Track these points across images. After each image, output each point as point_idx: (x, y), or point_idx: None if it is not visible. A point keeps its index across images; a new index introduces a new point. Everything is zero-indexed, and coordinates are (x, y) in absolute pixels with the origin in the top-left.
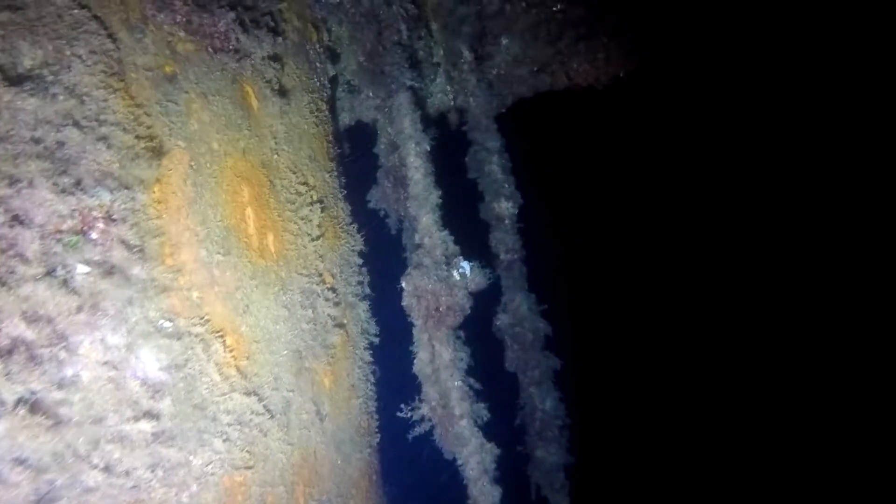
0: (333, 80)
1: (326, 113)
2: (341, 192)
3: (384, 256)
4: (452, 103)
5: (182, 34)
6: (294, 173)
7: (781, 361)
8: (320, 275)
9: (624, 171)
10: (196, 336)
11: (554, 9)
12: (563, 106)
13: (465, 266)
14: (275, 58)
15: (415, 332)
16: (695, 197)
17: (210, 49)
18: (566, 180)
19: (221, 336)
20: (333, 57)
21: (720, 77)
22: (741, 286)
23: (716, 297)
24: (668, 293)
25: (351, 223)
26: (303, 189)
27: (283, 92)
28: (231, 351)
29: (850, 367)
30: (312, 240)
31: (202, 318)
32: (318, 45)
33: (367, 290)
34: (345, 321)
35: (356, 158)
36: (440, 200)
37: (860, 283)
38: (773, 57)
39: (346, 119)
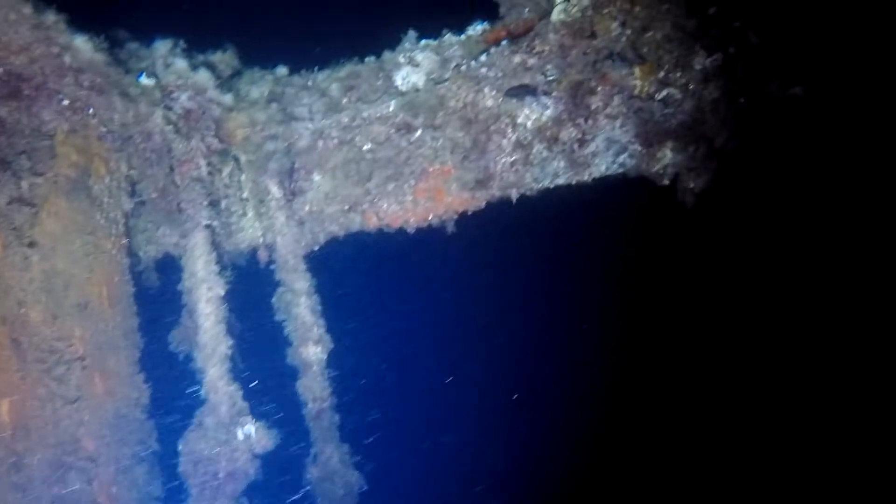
0: (134, 212)
1: (113, 252)
2: (128, 339)
3: (181, 406)
4: (261, 241)
5: None
6: (49, 327)
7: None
8: (77, 441)
9: (438, 315)
10: None
11: (364, 148)
12: (375, 247)
13: (250, 426)
14: (26, 201)
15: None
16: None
17: None
18: (378, 323)
19: None
20: (132, 188)
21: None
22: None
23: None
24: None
25: (137, 372)
26: (60, 345)
27: (40, 237)
28: None
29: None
30: (68, 402)
31: None
32: (108, 179)
33: (152, 448)
34: (113, 489)
35: (162, 295)
36: (230, 351)
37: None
38: None
39: (152, 252)
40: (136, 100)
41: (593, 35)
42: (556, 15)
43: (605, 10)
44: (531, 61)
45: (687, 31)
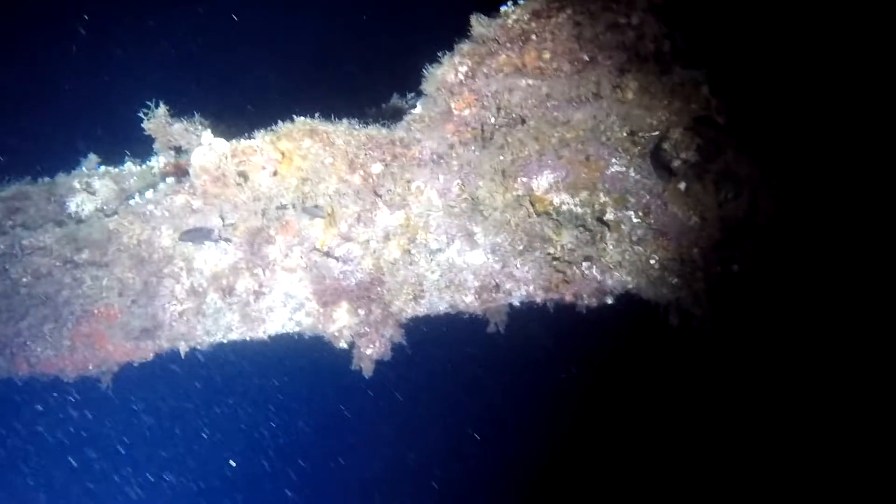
0: None
1: None
2: None
3: None
4: None
5: None
6: None
7: None
8: None
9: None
10: None
11: (21, 280)
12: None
13: None
14: None
15: None
16: None
17: None
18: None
19: None
20: None
21: None
22: None
23: None
24: None
25: None
26: None
27: None
28: None
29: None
30: None
31: None
32: None
33: None
34: None
35: None
36: None
37: None
38: None
39: None
40: None
41: (245, 181)
42: (196, 159)
43: (252, 160)
44: (195, 203)
45: (355, 187)
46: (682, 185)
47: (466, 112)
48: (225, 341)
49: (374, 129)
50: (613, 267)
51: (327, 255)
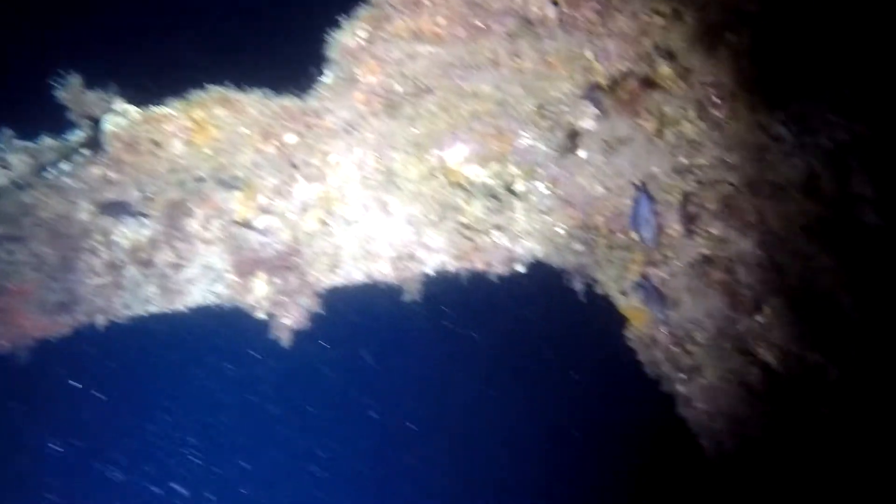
0: None
1: None
2: None
3: None
4: None
5: None
6: None
7: None
8: None
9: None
10: None
11: None
12: None
13: None
14: None
15: None
16: None
17: None
18: None
19: None
20: None
21: None
22: None
23: None
24: None
25: None
26: None
27: None
28: None
29: None
30: None
31: None
32: None
33: None
34: None
35: None
36: None
37: None
38: None
39: None
40: None
41: (158, 150)
42: (107, 126)
43: (164, 128)
44: (112, 175)
45: (271, 158)
46: (584, 154)
47: (372, 79)
48: (144, 314)
49: (287, 99)
50: (522, 235)
51: (246, 226)
